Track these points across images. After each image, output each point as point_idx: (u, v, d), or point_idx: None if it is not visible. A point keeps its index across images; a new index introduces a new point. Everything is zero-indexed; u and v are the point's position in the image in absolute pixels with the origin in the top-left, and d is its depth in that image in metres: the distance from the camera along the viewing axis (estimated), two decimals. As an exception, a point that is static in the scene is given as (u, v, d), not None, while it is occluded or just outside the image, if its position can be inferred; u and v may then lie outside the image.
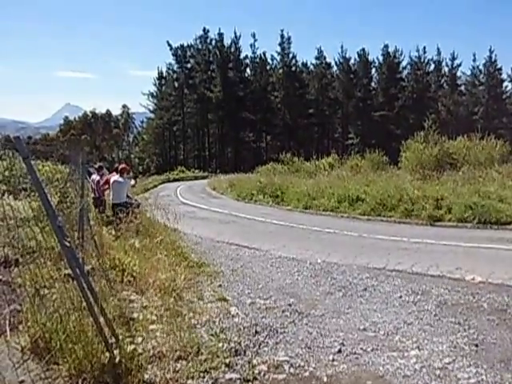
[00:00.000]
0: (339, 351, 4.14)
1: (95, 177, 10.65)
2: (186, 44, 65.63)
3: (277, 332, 4.56)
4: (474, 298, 5.72)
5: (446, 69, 63.31)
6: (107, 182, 10.10)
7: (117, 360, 3.27)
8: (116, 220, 8.41)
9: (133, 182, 11.11)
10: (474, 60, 61.27)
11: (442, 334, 4.52)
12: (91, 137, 65.42)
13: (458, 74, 63.08)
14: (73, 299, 3.56)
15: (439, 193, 13.57)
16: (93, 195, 10.16)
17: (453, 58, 62.31)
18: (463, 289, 6.13)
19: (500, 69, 59.38)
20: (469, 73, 62.27)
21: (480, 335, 4.50)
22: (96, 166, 11.23)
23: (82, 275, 3.23)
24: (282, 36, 63.99)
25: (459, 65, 62.42)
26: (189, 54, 65.89)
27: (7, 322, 3.47)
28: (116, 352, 3.33)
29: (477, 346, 4.25)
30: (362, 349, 4.19)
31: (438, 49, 63.73)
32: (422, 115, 42.03)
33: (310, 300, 5.74)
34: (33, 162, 3.03)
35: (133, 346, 3.53)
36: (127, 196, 9.94)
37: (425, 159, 20.07)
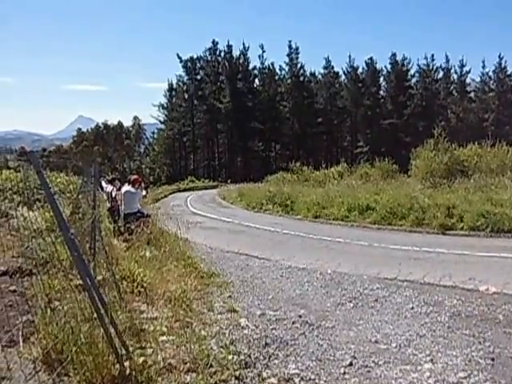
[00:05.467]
0: (350, 364, 4.08)
1: (110, 187, 10.75)
2: (195, 56, 66.42)
3: (287, 344, 4.52)
4: (488, 310, 5.62)
5: (455, 76, 63.18)
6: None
7: (127, 372, 3.27)
8: (127, 230, 8.47)
9: (144, 192, 11.22)
10: (484, 67, 61.08)
11: (456, 347, 4.44)
12: (103, 148, 66.19)
13: (468, 80, 62.82)
14: (84, 310, 3.58)
15: (450, 201, 13.45)
16: (108, 205, 10.31)
17: (462, 65, 62.15)
18: (477, 300, 6.03)
19: (510, 75, 58.95)
20: (478, 79, 62.06)
21: (496, 348, 4.39)
22: (109, 179, 11.35)
23: (92, 286, 3.24)
24: (290, 47, 64.55)
25: (468, 72, 62.21)
26: (198, 65, 66.53)
27: (20, 332, 3.50)
28: (126, 364, 3.33)
29: (493, 360, 4.15)
30: (373, 362, 4.13)
31: (447, 56, 63.61)
32: (432, 123, 41.97)
33: (320, 311, 5.69)
34: (46, 175, 3.07)
35: (143, 358, 3.53)
36: (139, 206, 10.03)
37: (435, 167, 19.92)
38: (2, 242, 3.60)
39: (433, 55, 63.00)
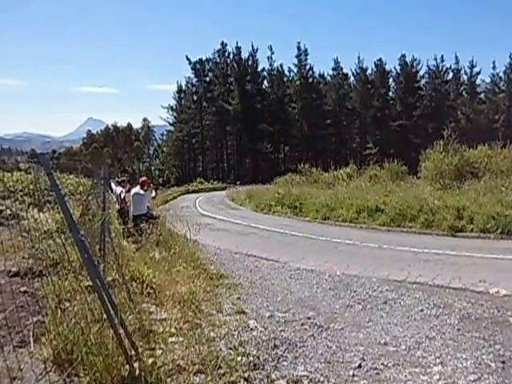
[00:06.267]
0: (359, 366, 4.07)
1: (119, 189, 10.81)
2: (204, 58, 66.69)
3: (296, 346, 4.51)
4: (498, 312, 5.57)
5: (465, 77, 62.68)
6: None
7: (137, 373, 3.28)
8: (137, 232, 8.52)
9: (154, 193, 11.27)
10: (494, 67, 60.58)
11: (466, 350, 4.41)
12: (113, 149, 66.59)
13: (478, 81, 62.34)
14: (94, 311, 3.60)
15: (460, 203, 13.34)
16: (118, 207, 10.38)
17: (472, 66, 61.63)
18: (487, 302, 5.98)
19: (521, 75, 58.41)
20: (489, 80, 61.54)
21: (507, 351, 4.35)
22: (119, 180, 11.42)
23: (102, 287, 3.26)
24: (299, 48, 64.51)
25: (478, 72, 61.68)
26: (207, 67, 66.81)
27: (31, 333, 3.53)
28: (136, 365, 3.35)
29: (504, 362, 4.11)
30: (382, 364, 4.11)
31: (457, 57, 63.17)
32: (441, 124, 41.63)
33: (329, 313, 5.68)
34: (57, 176, 3.10)
35: (152, 359, 3.54)
36: (148, 208, 10.09)
37: (445, 169, 19.79)
38: (13, 243, 3.63)
39: (442, 56, 62.60)
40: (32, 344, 3.43)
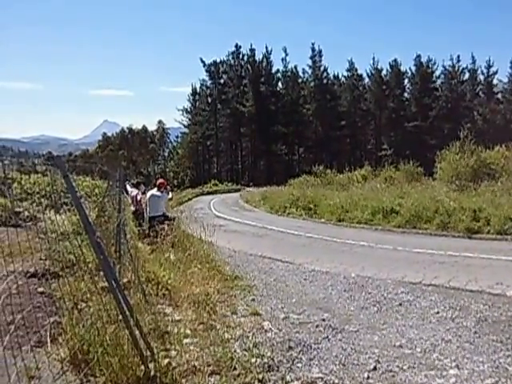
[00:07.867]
0: (374, 368, 4.04)
1: (135, 191, 10.92)
2: (218, 60, 67.01)
3: (310, 348, 4.50)
4: (516, 315, 5.49)
5: (482, 77, 61.72)
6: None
7: (152, 373, 3.32)
8: (152, 233, 8.58)
9: (170, 195, 11.35)
10: (512, 67, 59.50)
11: (483, 353, 4.34)
12: (128, 152, 67.14)
13: (495, 81, 61.25)
14: (109, 312, 3.65)
15: (477, 204, 13.16)
16: (133, 208, 10.48)
17: (488, 66, 60.59)
18: (505, 305, 5.89)
19: (539, 75, 57.31)
20: (506, 80, 60.45)
21: (525, 355, 4.28)
22: (134, 182, 11.54)
23: (118, 288, 3.30)
24: (313, 49, 64.42)
25: (495, 72, 60.61)
26: (221, 69, 67.11)
27: (48, 333, 3.58)
28: (151, 365, 3.38)
29: (522, 366, 4.05)
30: (398, 366, 4.07)
31: (473, 57, 62.21)
32: (457, 125, 41.11)
33: (344, 315, 5.66)
34: (73, 179, 3.15)
35: (167, 360, 3.57)
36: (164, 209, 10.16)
37: (461, 170, 19.54)
38: (31, 244, 3.70)
39: (458, 56, 61.80)
40: (49, 344, 3.48)
